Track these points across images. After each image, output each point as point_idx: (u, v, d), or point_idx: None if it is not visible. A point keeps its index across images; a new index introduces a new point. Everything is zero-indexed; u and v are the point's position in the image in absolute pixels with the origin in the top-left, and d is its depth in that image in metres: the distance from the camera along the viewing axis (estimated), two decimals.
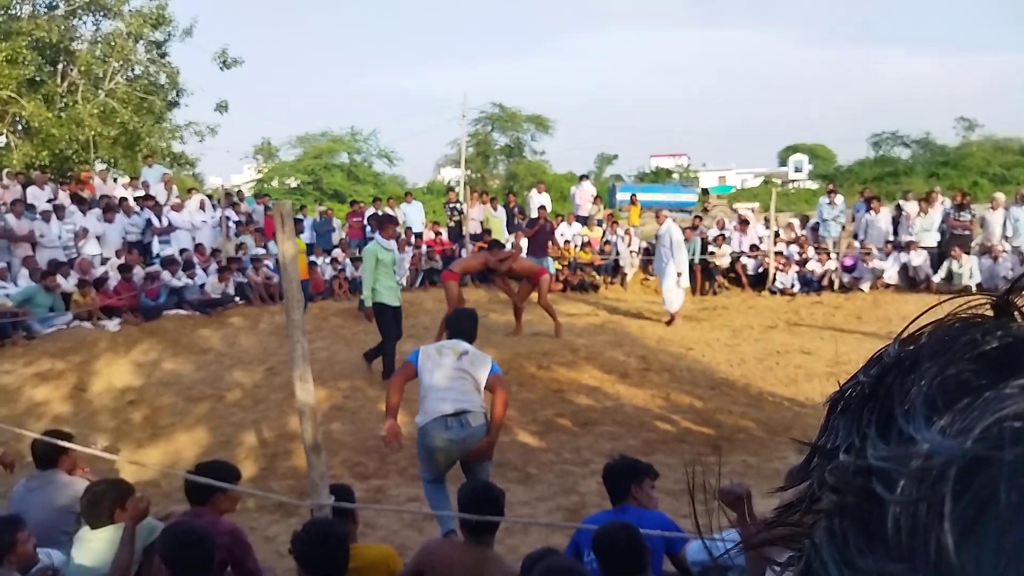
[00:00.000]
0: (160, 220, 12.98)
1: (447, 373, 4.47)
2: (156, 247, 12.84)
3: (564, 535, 4.22)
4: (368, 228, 14.89)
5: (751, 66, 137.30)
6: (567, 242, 15.22)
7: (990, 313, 0.42)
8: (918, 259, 13.27)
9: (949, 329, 0.42)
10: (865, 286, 13.45)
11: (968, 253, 12.95)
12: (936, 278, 12.92)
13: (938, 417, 0.37)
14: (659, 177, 40.24)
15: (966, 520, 0.34)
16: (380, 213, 13.35)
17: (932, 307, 0.45)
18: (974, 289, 12.47)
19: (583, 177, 19.07)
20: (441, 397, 4.41)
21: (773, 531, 0.46)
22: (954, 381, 0.38)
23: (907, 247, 13.42)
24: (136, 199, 13.30)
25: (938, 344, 0.41)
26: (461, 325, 5.04)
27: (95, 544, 3.37)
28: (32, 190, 12.60)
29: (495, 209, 16.10)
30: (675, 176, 41.55)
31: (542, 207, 14.97)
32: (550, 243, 13.25)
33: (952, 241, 13.35)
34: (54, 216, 11.50)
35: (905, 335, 0.44)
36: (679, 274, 11.26)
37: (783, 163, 50.75)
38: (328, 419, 7.17)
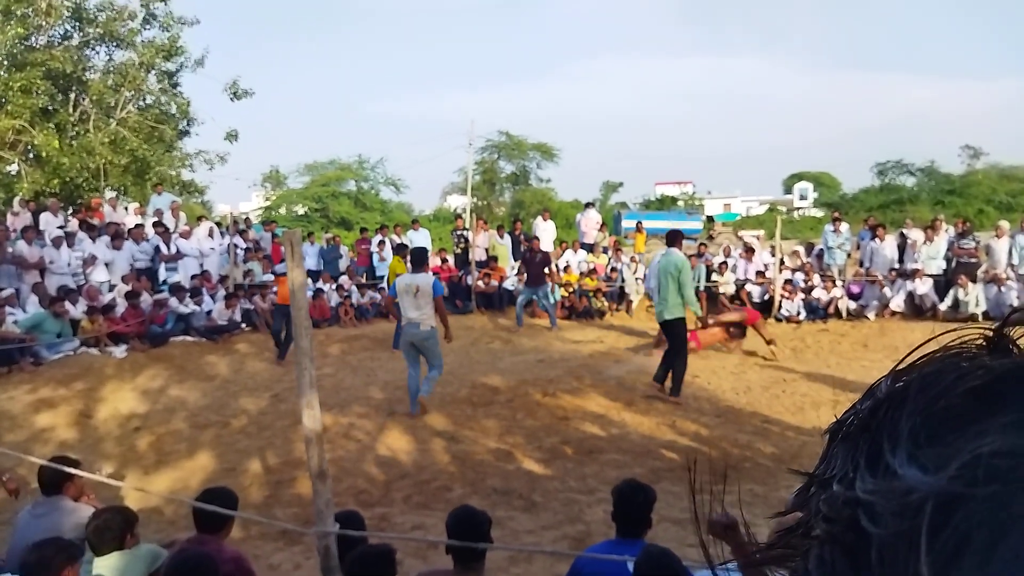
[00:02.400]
0: (168, 247, 13.08)
1: (410, 303, 7.89)
2: (163, 274, 12.92)
3: (569, 564, 4.19)
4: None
5: (756, 94, 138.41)
6: (568, 267, 15.27)
7: (985, 345, 0.43)
8: (923, 287, 13.25)
9: (939, 363, 0.43)
10: (871, 314, 13.42)
11: (975, 281, 12.92)
12: (942, 306, 12.88)
13: (920, 453, 0.38)
14: (664, 204, 40.38)
15: (943, 556, 0.35)
16: (670, 229, 11.99)
17: (928, 340, 0.46)
18: (980, 317, 12.44)
19: (588, 205, 19.16)
20: (407, 312, 7.92)
21: (771, 552, 0.47)
22: (940, 416, 0.39)
23: (913, 275, 13.41)
24: (150, 226, 13.44)
25: (927, 379, 0.42)
26: (416, 258, 8.19)
27: (100, 571, 3.37)
28: (44, 216, 12.74)
29: (501, 237, 16.18)
30: (680, 203, 41.67)
31: (535, 238, 14.95)
32: (546, 272, 13.17)
33: (958, 269, 13.34)
34: (64, 243, 11.60)
35: (899, 368, 0.45)
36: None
37: (788, 191, 50.96)
38: (333, 446, 7.16)
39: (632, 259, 15.70)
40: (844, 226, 15.08)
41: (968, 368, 0.41)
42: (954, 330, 0.45)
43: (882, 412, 0.43)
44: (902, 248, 14.48)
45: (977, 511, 0.35)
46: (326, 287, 13.69)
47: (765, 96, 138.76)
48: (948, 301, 12.85)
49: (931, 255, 13.77)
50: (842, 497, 0.41)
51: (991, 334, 0.43)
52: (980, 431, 0.37)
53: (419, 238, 16.45)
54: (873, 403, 0.44)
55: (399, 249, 12.33)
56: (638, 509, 3.34)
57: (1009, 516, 0.34)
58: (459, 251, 16.08)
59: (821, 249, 15.29)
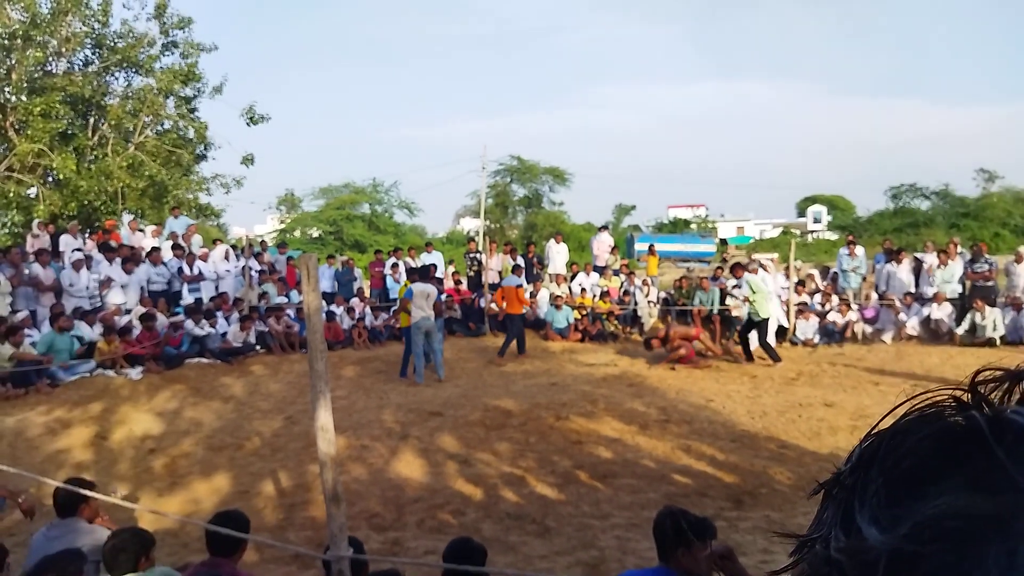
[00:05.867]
0: (191, 268, 13.20)
1: (422, 304, 10.63)
2: (186, 295, 13.03)
3: None
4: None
5: (769, 118, 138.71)
6: (583, 290, 15.27)
7: (955, 403, 0.45)
8: (940, 312, 13.14)
9: (907, 424, 0.45)
10: (887, 337, 13.31)
11: (992, 305, 12.80)
12: (959, 331, 12.76)
13: (881, 513, 0.41)
14: (677, 227, 40.40)
15: None
16: None
17: (905, 401, 0.47)
18: (998, 341, 12.31)
19: (601, 228, 19.17)
20: (422, 310, 10.60)
21: None
22: (901, 477, 0.42)
23: (933, 298, 13.30)
24: (168, 248, 13.59)
25: (894, 439, 0.44)
26: (424, 275, 11.07)
27: None
28: (64, 239, 12.91)
29: (514, 259, 16.21)
30: (693, 226, 41.67)
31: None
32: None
33: (974, 293, 13.23)
34: (83, 266, 11.71)
35: (874, 429, 0.47)
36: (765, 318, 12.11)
37: (802, 214, 50.83)
38: (346, 469, 7.15)
39: (644, 282, 15.66)
40: (859, 249, 15.01)
41: (931, 429, 0.43)
42: (928, 391, 0.47)
43: (857, 473, 0.45)
44: (917, 272, 14.38)
45: (927, 569, 0.37)
46: (339, 310, 13.74)
47: (778, 120, 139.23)
48: (965, 325, 12.73)
49: (945, 279, 13.67)
50: (822, 556, 0.43)
51: (961, 393, 0.45)
52: (933, 492, 0.39)
53: (432, 260, 16.53)
54: (851, 464, 0.47)
55: (412, 273, 12.51)
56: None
57: (956, 573, 0.36)
58: (472, 274, 16.12)
59: (836, 272, 15.23)
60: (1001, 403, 0.43)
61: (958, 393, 0.45)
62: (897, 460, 0.42)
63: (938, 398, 0.45)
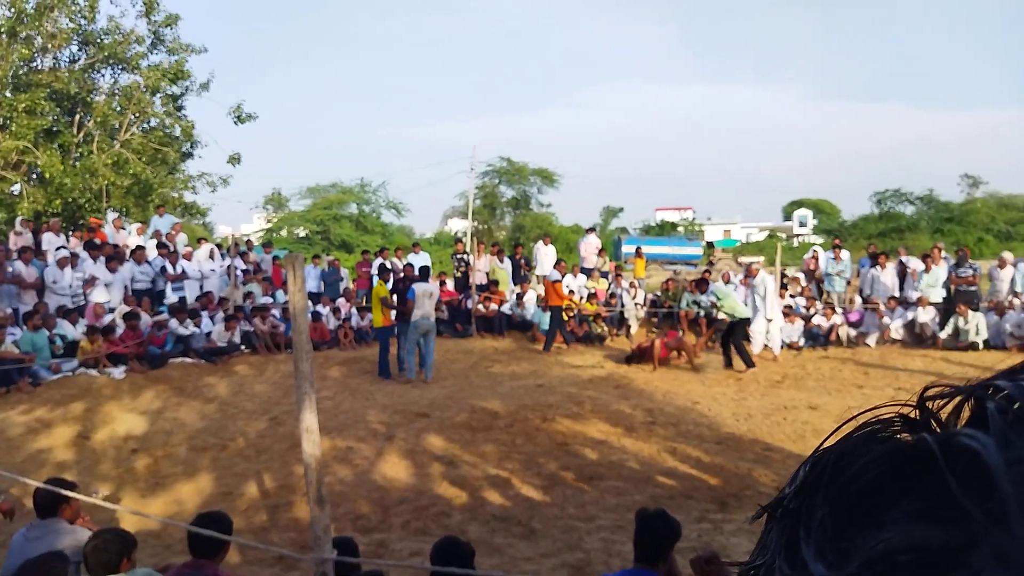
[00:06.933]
0: (175, 267, 13.10)
1: (424, 303, 10.79)
2: (169, 294, 12.93)
3: None
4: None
5: (756, 122, 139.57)
6: (571, 292, 15.28)
7: (903, 421, 0.42)
8: (924, 315, 13.24)
9: (853, 444, 0.42)
10: (872, 340, 13.41)
11: (975, 309, 12.91)
12: (942, 335, 12.86)
13: (827, 546, 0.38)
14: (664, 230, 40.54)
15: None
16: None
17: (852, 417, 0.45)
18: (981, 345, 12.42)
19: (589, 230, 19.19)
20: (423, 309, 10.74)
21: None
22: (847, 505, 0.39)
23: (917, 302, 13.41)
24: (154, 247, 13.47)
25: (839, 462, 0.41)
26: (423, 274, 11.54)
27: None
28: (46, 236, 12.77)
29: (501, 261, 16.20)
30: (680, 229, 41.82)
31: (408, 264, 14.10)
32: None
33: (958, 298, 13.35)
34: (68, 264, 11.60)
35: (819, 448, 0.44)
36: (769, 320, 12.43)
37: (788, 218, 51.17)
38: (331, 470, 7.12)
39: (632, 284, 15.69)
40: (844, 253, 15.11)
41: (878, 451, 0.40)
42: (876, 407, 0.44)
43: (800, 499, 0.42)
44: (902, 276, 14.49)
45: None
46: (325, 310, 13.68)
47: (765, 124, 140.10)
48: (948, 329, 12.84)
49: (930, 283, 13.78)
50: None
51: (909, 410, 0.42)
52: (881, 523, 0.37)
53: (419, 261, 16.49)
54: (795, 486, 0.44)
55: (382, 271, 12.47)
56: (662, 538, 3.19)
57: None
58: (459, 275, 16.10)
59: (813, 255, 15.45)
60: (949, 422, 0.40)
61: (906, 410, 0.42)
62: (843, 486, 0.40)
63: (885, 415, 0.43)
